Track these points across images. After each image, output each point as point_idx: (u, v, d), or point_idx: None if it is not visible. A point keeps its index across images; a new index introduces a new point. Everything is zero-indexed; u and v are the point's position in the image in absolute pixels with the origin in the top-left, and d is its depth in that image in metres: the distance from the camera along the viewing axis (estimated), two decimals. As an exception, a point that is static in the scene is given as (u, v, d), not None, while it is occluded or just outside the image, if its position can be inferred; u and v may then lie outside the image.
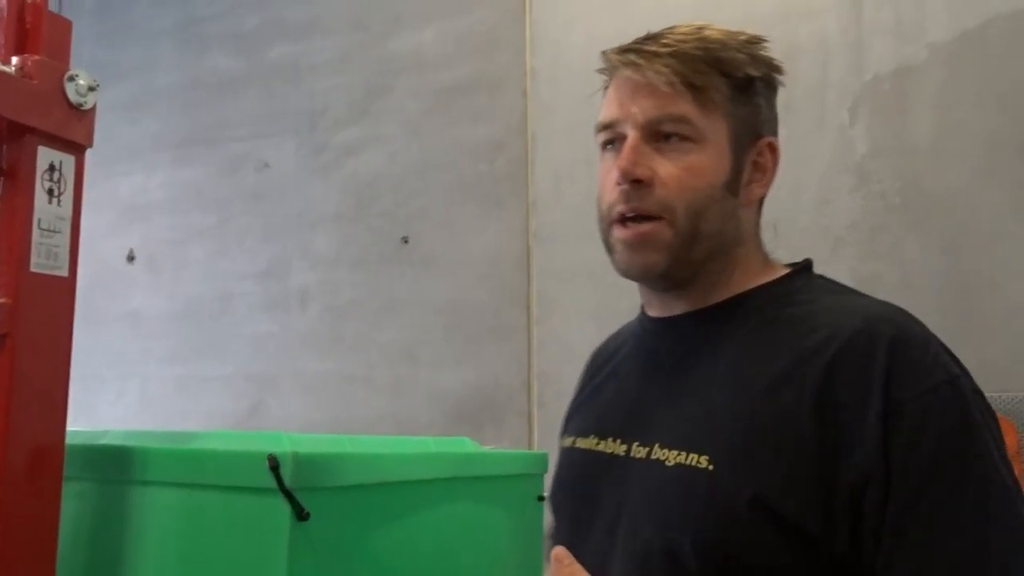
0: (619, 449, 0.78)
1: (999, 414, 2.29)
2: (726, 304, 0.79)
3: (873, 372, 0.66)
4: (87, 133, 1.22)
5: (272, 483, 1.24)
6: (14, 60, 1.11)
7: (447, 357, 2.95)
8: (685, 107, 0.75)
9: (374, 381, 3.04)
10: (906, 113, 2.52)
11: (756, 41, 0.81)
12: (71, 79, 1.17)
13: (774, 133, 0.82)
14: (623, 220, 0.77)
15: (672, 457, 0.71)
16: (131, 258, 3.42)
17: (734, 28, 0.81)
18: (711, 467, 0.68)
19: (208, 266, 3.34)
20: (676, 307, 0.81)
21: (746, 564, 0.66)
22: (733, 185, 0.78)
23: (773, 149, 0.81)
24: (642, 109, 0.76)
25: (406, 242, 3.04)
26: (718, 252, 0.78)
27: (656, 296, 0.83)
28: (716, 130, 0.76)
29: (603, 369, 0.91)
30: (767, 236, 2.76)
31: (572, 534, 0.81)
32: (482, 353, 2.88)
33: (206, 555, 1.31)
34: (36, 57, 1.14)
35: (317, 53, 3.27)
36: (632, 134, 0.76)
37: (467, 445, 1.71)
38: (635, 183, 0.75)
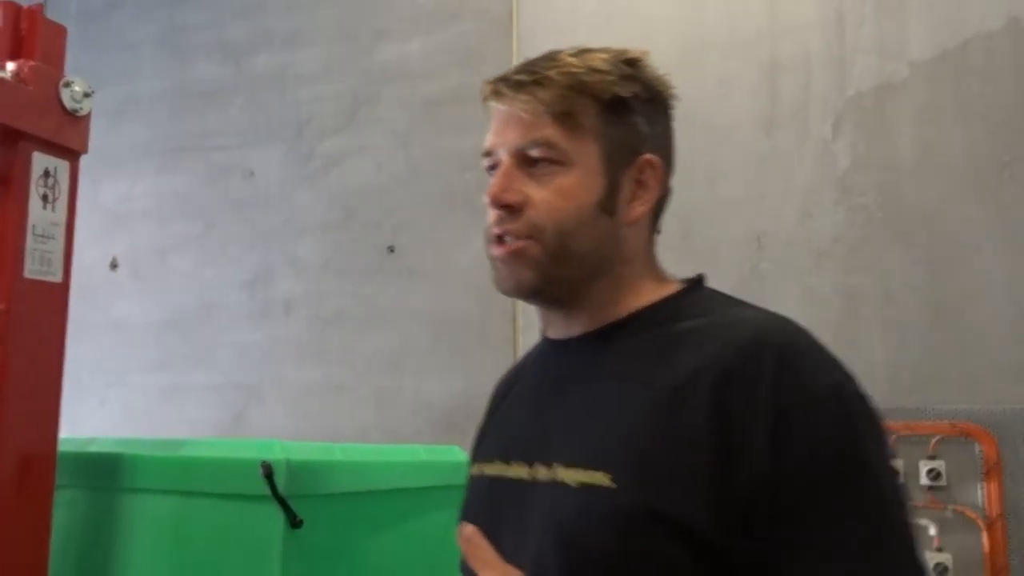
0: (523, 473, 0.78)
1: (981, 427, 2.33)
2: (619, 323, 0.80)
3: (761, 382, 0.67)
4: (82, 139, 1.22)
5: (266, 490, 1.25)
6: (10, 65, 1.12)
7: (433, 367, 2.95)
8: (550, 132, 0.77)
9: (360, 391, 3.03)
10: (888, 129, 2.56)
11: (632, 61, 0.82)
12: (67, 85, 1.17)
13: (660, 149, 0.83)
14: (499, 239, 0.79)
15: (573, 477, 0.72)
16: (114, 266, 3.39)
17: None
18: (613, 484, 0.69)
19: (193, 274, 3.32)
20: (572, 329, 0.82)
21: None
22: (608, 205, 0.79)
23: (654, 166, 0.81)
24: (512, 137, 0.79)
25: (392, 251, 3.04)
26: (599, 272, 0.79)
27: (552, 318, 0.84)
28: (586, 152, 0.78)
29: (507, 395, 0.92)
30: (750, 249, 2.77)
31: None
32: (468, 363, 2.88)
33: (198, 562, 1.31)
34: (32, 63, 1.14)
35: (303, 63, 3.27)
36: (505, 160, 0.79)
37: (457, 454, 1.72)
38: (506, 208, 0.78)
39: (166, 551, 1.37)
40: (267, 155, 3.27)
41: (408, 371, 2.98)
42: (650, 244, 0.84)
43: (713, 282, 3.02)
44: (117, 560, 1.38)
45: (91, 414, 3.32)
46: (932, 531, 2.35)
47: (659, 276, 0.84)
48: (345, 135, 3.17)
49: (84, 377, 3.31)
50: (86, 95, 1.18)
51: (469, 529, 0.73)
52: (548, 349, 0.87)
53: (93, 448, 1.44)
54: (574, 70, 0.79)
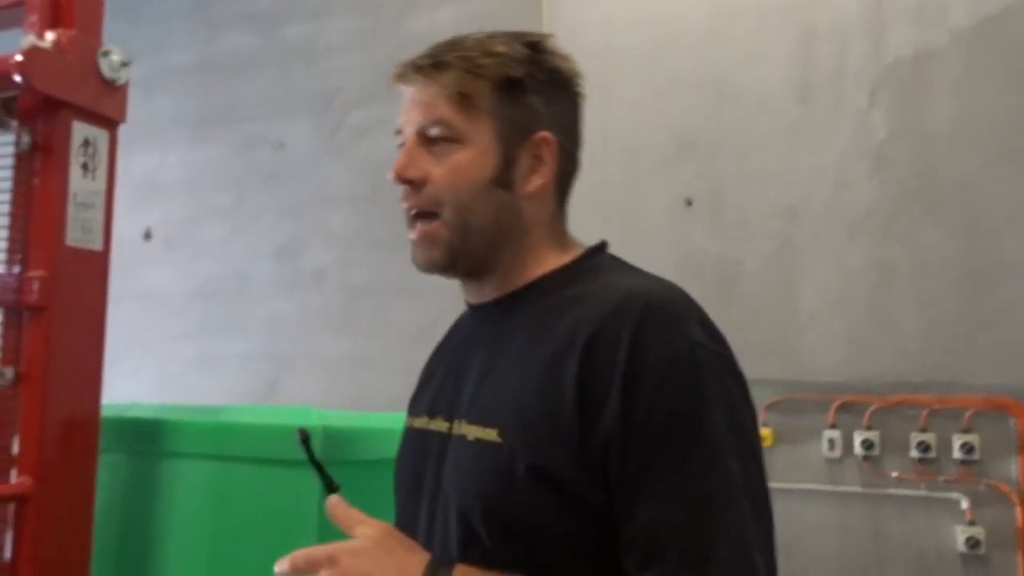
0: (443, 427, 0.85)
1: (1016, 401, 2.30)
2: (522, 290, 0.86)
3: (620, 342, 0.73)
4: (120, 108, 1.23)
5: (302, 456, 1.27)
6: (49, 35, 1.12)
7: (461, 338, 2.96)
8: (445, 112, 0.83)
9: (389, 360, 3.06)
10: (926, 99, 2.51)
11: (533, 44, 0.86)
12: (105, 54, 1.18)
13: (559, 128, 0.87)
14: (412, 222, 0.85)
15: (472, 432, 0.79)
16: (148, 236, 3.44)
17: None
18: (499, 440, 0.76)
19: (224, 245, 3.36)
20: (485, 294, 0.89)
21: (529, 527, 0.74)
22: (502, 179, 0.84)
23: (548, 143, 0.85)
24: (414, 117, 0.84)
25: (422, 223, 3.05)
26: (502, 242, 0.85)
27: (469, 286, 0.90)
28: (480, 131, 0.83)
29: (439, 353, 0.99)
30: (783, 222, 2.72)
31: (406, 507, 0.89)
32: (496, 334, 2.89)
33: (237, 525, 1.34)
34: (71, 32, 1.15)
35: (332, 33, 3.27)
36: (409, 139, 0.85)
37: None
38: (408, 183, 0.84)
39: (205, 514, 1.39)
40: (297, 126, 3.28)
41: (436, 340, 2.99)
42: (555, 215, 0.89)
43: (744, 256, 3.00)
44: (157, 522, 1.41)
45: (125, 382, 3.38)
46: (964, 505, 2.34)
47: (564, 244, 0.89)
48: (374, 106, 3.17)
49: (118, 345, 3.37)
50: (123, 64, 1.19)
51: (332, 499, 0.82)
52: (468, 313, 0.93)
53: (133, 414, 1.47)
54: (471, 54, 0.84)
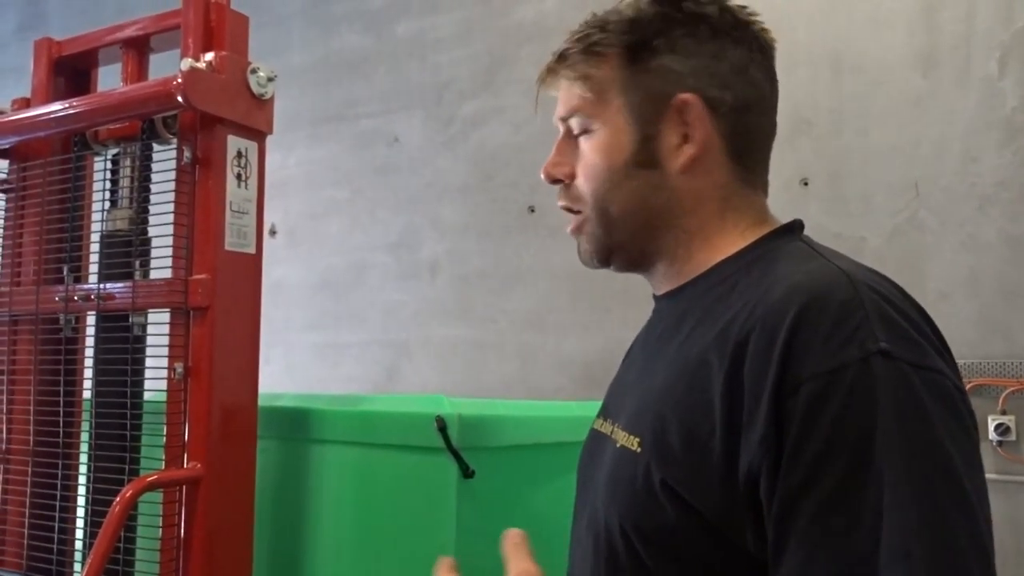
0: (608, 430, 0.78)
1: None
2: (697, 279, 0.76)
3: (774, 350, 0.60)
4: (268, 120, 1.32)
5: (440, 443, 1.34)
6: (205, 57, 1.22)
7: (574, 324, 3.00)
8: (574, 100, 0.78)
9: (503, 348, 3.12)
10: (1063, 62, 2.37)
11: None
12: (253, 71, 1.27)
13: (706, 82, 0.75)
14: (570, 214, 0.81)
15: (621, 439, 0.72)
16: (273, 232, 3.62)
17: None
18: (639, 450, 0.68)
19: (343, 238, 3.50)
20: (660, 285, 0.81)
21: (664, 547, 0.65)
22: (643, 158, 0.75)
23: (690, 104, 0.74)
24: (558, 112, 0.81)
25: (532, 211, 3.09)
26: (655, 228, 0.76)
27: (647, 278, 0.84)
28: (610, 111, 0.76)
29: (631, 349, 0.92)
30: (907, 198, 2.63)
31: (578, 509, 0.83)
32: (608, 319, 2.92)
33: (379, 508, 1.43)
34: (223, 53, 1.24)
35: (441, 27, 3.34)
36: (558, 137, 0.81)
37: (610, 409, 1.77)
38: (556, 182, 0.81)
39: (351, 497, 1.48)
40: (409, 121, 3.38)
41: (549, 328, 3.04)
42: (730, 188, 0.76)
43: (866, 232, 2.91)
44: (306, 502, 1.51)
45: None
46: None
47: (746, 224, 0.76)
48: (483, 97, 3.23)
49: (250, 336, 3.57)
50: (270, 79, 1.28)
51: (512, 535, 0.75)
52: (655, 306, 0.87)
53: (281, 403, 1.57)
54: (587, 32, 0.78)
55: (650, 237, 0.77)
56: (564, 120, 0.80)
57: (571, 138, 0.80)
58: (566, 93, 0.79)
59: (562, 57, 0.79)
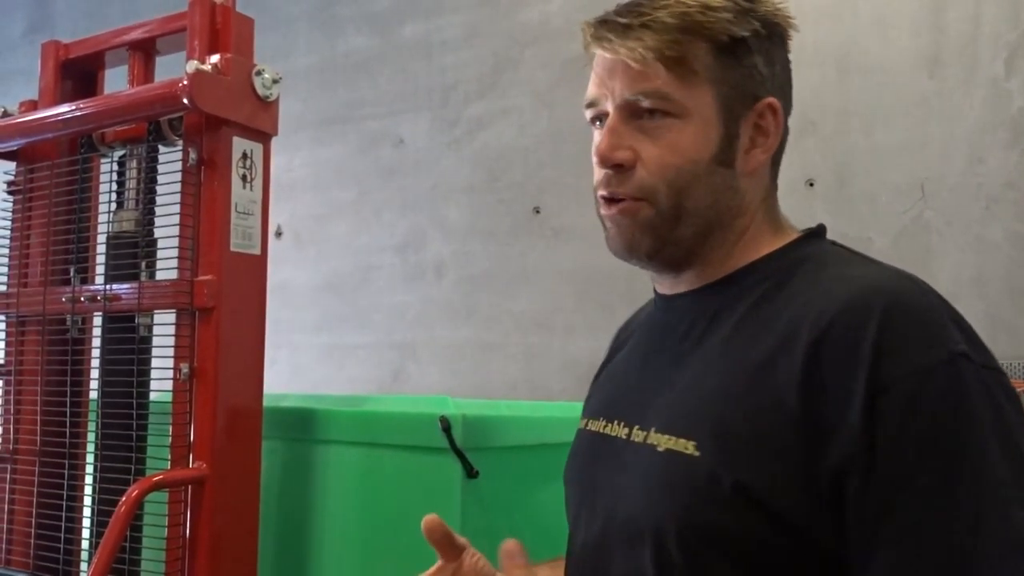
0: (621, 432, 0.76)
1: None
2: (727, 279, 0.75)
3: (861, 350, 0.60)
4: (272, 122, 1.33)
5: (444, 443, 1.34)
6: (211, 59, 1.23)
7: (580, 325, 3.00)
8: (661, 82, 0.70)
9: (509, 349, 3.13)
10: (1070, 62, 2.36)
11: None
12: (258, 73, 1.27)
13: (780, 91, 0.76)
14: (608, 202, 0.75)
15: (664, 442, 0.69)
16: (279, 234, 3.63)
17: None
18: (697, 453, 0.66)
19: (348, 240, 3.51)
20: (680, 284, 0.78)
21: (729, 551, 0.64)
22: (724, 156, 0.73)
23: (775, 110, 0.74)
24: (618, 87, 0.72)
25: (538, 212, 3.09)
26: (714, 227, 0.74)
27: (659, 273, 0.80)
28: (700, 102, 0.72)
29: (621, 348, 0.90)
30: (913, 198, 2.63)
31: (576, 515, 0.80)
32: (614, 320, 2.91)
33: (384, 508, 1.43)
34: (228, 55, 1.25)
35: (447, 29, 3.35)
36: (612, 114, 0.73)
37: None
38: (616, 167, 0.73)
39: (355, 498, 1.49)
40: (415, 122, 3.38)
41: (555, 329, 3.04)
42: (769, 193, 0.78)
43: (873, 233, 2.91)
44: (311, 502, 1.52)
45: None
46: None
47: (777, 227, 0.77)
48: (489, 98, 3.23)
49: (257, 337, 3.58)
50: (275, 81, 1.28)
51: (512, 544, 0.77)
52: (659, 304, 0.83)
53: (286, 404, 1.58)
54: (686, 9, 0.71)
55: (707, 235, 0.74)
56: (631, 100, 0.72)
57: (632, 118, 0.72)
58: (644, 67, 0.70)
59: (651, 25, 0.71)
